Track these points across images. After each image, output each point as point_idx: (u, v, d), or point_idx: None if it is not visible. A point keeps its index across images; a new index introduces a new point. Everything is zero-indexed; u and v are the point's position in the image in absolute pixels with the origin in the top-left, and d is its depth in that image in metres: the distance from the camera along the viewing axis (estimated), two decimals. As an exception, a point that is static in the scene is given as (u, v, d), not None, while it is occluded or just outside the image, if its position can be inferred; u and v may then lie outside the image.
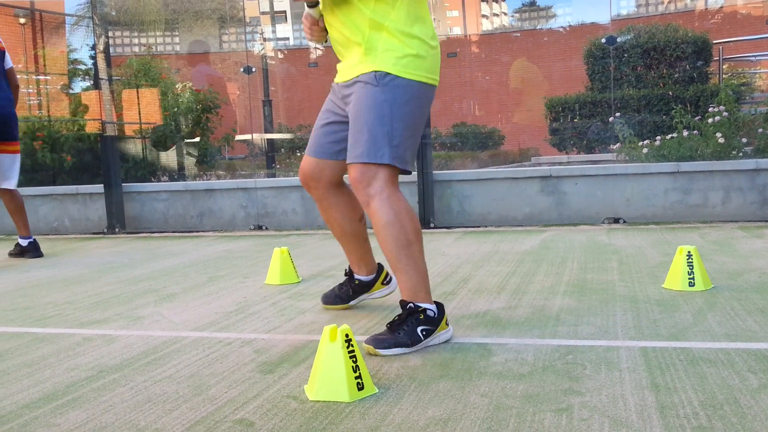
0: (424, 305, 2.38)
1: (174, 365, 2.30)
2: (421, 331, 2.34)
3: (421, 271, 2.42)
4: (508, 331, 2.53)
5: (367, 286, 2.98)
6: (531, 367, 2.11)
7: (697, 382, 1.92)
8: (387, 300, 3.13)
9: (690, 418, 1.67)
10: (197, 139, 8.83)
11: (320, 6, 2.51)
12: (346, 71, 2.51)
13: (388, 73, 2.36)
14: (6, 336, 2.81)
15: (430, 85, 2.44)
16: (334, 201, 2.77)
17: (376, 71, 2.37)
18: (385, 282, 3.00)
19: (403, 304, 2.40)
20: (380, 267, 2.98)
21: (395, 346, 2.31)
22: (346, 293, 2.99)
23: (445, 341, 2.41)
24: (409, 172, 2.49)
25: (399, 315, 2.39)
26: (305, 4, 2.54)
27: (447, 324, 2.43)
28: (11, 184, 5.08)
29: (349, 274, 2.97)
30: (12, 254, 5.18)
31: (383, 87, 2.36)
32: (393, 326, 2.36)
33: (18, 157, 5.12)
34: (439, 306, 2.42)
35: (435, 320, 2.38)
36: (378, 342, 2.32)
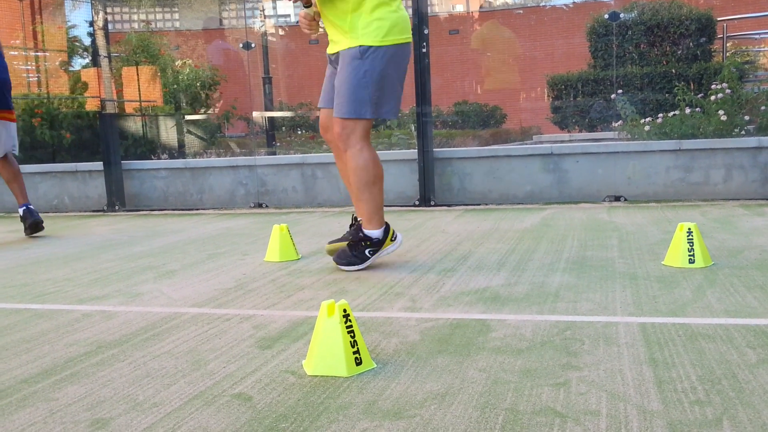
0: (369, 233, 3.24)
1: (173, 341, 2.30)
2: (369, 252, 3.25)
3: (377, 204, 3.22)
4: (507, 307, 2.53)
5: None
6: (529, 343, 2.10)
7: (695, 357, 1.92)
8: (384, 278, 3.13)
9: (688, 393, 1.67)
10: (198, 116, 8.80)
11: (314, 6, 3.25)
12: (333, 46, 3.27)
13: (369, 47, 3.08)
14: (5, 312, 2.81)
15: (404, 43, 3.15)
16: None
17: (360, 46, 3.09)
18: (393, 239, 3.35)
19: (358, 225, 3.25)
20: (387, 225, 3.31)
21: (348, 264, 3.25)
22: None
23: (395, 251, 3.43)
24: (394, 117, 3.33)
25: (353, 231, 3.27)
26: (302, 5, 3.26)
27: (393, 240, 3.32)
28: (8, 149, 4.97)
29: (356, 221, 3.33)
30: (27, 231, 5.01)
31: (365, 59, 3.09)
32: (350, 247, 3.26)
33: (14, 126, 5.03)
34: (386, 228, 3.26)
35: (380, 242, 3.26)
36: (338, 258, 3.25)
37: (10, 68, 5.06)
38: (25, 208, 5.04)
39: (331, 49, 3.30)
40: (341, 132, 3.16)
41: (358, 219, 3.33)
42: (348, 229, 3.41)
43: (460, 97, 12.51)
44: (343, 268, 3.24)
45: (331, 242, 3.48)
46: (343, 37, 3.16)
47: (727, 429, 1.47)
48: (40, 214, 5.16)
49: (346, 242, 3.31)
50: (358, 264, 3.23)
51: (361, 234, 3.24)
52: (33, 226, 4.96)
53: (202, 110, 8.80)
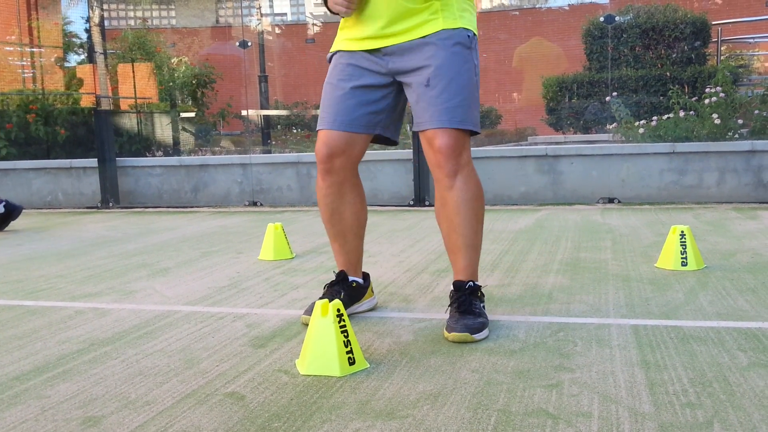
0: (479, 283, 2.33)
1: (165, 339, 2.29)
2: (483, 307, 2.29)
3: (480, 249, 2.34)
4: (500, 308, 2.54)
5: (362, 291, 2.53)
6: (522, 344, 2.11)
7: (687, 359, 1.93)
8: (379, 278, 3.13)
9: (679, 395, 1.68)
10: (193, 114, 8.79)
11: None
12: (399, 34, 2.20)
13: (474, 34, 2.25)
14: (-2, 308, 2.80)
15: None
16: (354, 183, 2.41)
17: (466, 29, 2.21)
18: (372, 291, 2.62)
19: (461, 283, 2.28)
20: (366, 274, 2.58)
21: (484, 328, 2.19)
22: (338, 296, 2.43)
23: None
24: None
25: (461, 294, 2.25)
26: None
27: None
28: None
29: (343, 277, 2.48)
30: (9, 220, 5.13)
31: (473, 50, 2.23)
32: (466, 308, 2.22)
33: None
34: None
35: (483, 295, 2.36)
36: (468, 328, 2.14)
37: (5, 64, 5.05)
38: (5, 203, 5.08)
39: (379, 42, 2.24)
40: (454, 147, 2.20)
41: (465, 283, 2.29)
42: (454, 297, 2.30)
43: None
44: (479, 336, 2.16)
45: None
46: (424, 17, 2.18)
47: (718, 431, 1.48)
48: (34, 210, 5.16)
49: (459, 310, 2.24)
50: (487, 323, 2.24)
51: (472, 284, 2.29)
52: (15, 215, 5.02)
53: (197, 108, 8.79)
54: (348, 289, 2.46)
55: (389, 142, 2.44)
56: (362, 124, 2.31)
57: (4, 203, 5.08)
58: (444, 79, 2.18)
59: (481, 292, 2.33)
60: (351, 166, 2.37)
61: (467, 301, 2.24)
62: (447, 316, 2.29)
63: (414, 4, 2.17)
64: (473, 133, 2.29)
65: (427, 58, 2.19)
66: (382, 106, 2.32)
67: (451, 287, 2.32)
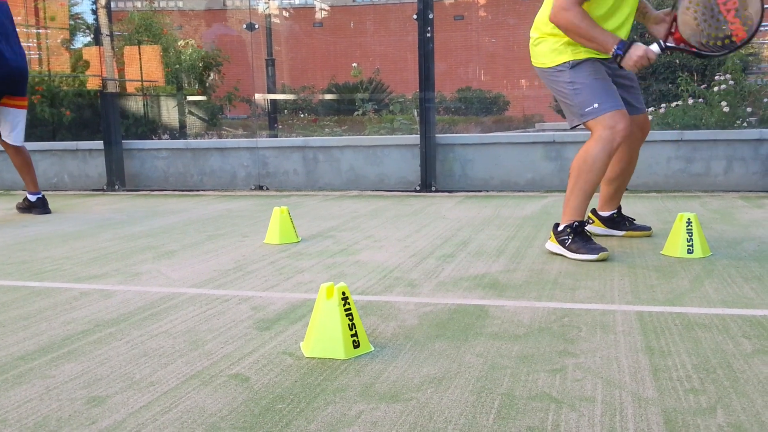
0: None
1: (171, 320, 2.30)
2: None
3: None
4: (505, 293, 2.54)
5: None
6: (527, 329, 2.11)
7: (691, 346, 1.92)
8: (384, 262, 3.13)
9: (683, 381, 1.68)
10: (200, 97, 8.78)
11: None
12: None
13: None
14: (3, 289, 2.81)
15: None
16: None
17: None
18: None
19: (621, 207, 3.63)
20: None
21: None
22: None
23: None
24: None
25: (622, 214, 3.62)
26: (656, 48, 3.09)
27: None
28: (16, 139, 5.02)
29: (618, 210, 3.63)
30: (19, 207, 5.16)
31: None
32: (627, 218, 3.62)
33: (24, 112, 5.06)
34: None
35: None
36: (647, 227, 3.61)
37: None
38: (41, 196, 5.11)
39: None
40: None
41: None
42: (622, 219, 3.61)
43: (463, 83, 12.46)
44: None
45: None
46: None
47: (721, 417, 1.48)
48: (42, 192, 5.18)
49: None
50: None
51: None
52: (38, 212, 5.05)
53: (201, 91, 8.77)
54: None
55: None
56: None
57: (40, 196, 5.11)
58: (635, 80, 3.41)
59: None
60: None
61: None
62: (452, 301, 2.32)
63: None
64: None
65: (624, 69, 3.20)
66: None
67: (614, 213, 3.60)
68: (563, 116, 3.37)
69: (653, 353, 1.87)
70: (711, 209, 4.47)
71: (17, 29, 5.13)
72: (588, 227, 3.46)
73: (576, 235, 3.13)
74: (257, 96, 10.03)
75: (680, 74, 7.21)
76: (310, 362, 1.88)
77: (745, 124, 5.95)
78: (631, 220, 3.62)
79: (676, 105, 6.31)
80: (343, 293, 1.92)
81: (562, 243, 3.15)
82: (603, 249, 3.07)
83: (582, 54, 3.16)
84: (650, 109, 6.50)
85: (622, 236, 3.57)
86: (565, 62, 3.18)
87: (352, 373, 1.79)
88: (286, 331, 2.16)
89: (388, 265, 3.05)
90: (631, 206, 4.66)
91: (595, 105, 3.10)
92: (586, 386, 1.66)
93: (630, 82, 3.36)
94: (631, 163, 3.49)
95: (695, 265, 2.90)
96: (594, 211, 3.63)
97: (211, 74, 8.92)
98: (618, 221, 3.61)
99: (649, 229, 3.59)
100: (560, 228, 3.18)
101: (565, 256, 3.12)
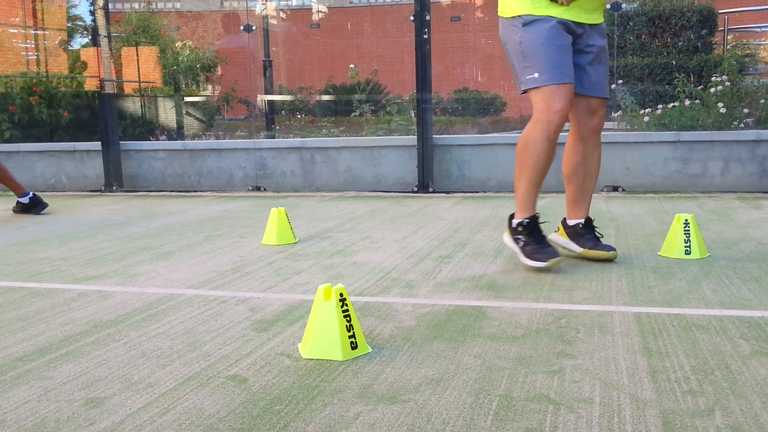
0: None
1: (168, 321, 2.30)
2: None
3: None
4: (503, 294, 2.54)
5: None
6: (525, 330, 2.11)
7: (689, 347, 1.93)
8: (381, 263, 3.13)
9: (681, 382, 1.68)
10: (197, 98, 8.78)
11: None
12: (589, 14, 2.85)
13: None
14: (1, 290, 2.81)
15: None
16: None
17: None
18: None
19: (590, 219, 3.09)
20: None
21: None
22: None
23: None
24: None
25: (592, 228, 3.07)
26: None
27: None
28: None
29: (588, 221, 3.13)
30: (16, 211, 5.13)
31: None
32: (593, 233, 3.07)
33: None
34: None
35: None
36: (612, 248, 2.98)
37: (9, 46, 5.03)
38: (32, 195, 5.09)
39: (585, 17, 2.84)
40: (605, 116, 3.02)
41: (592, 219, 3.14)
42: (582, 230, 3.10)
43: (460, 84, 12.47)
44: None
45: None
46: (600, 7, 2.89)
47: (719, 419, 1.48)
48: (38, 194, 5.17)
49: (597, 238, 3.08)
50: None
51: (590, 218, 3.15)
52: (37, 212, 5.03)
53: (198, 92, 8.77)
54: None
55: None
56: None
57: (31, 195, 5.09)
58: (606, 61, 2.96)
59: None
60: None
61: (592, 229, 3.05)
62: (449, 302, 2.32)
63: None
64: None
65: (603, 43, 2.92)
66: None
67: (579, 222, 3.08)
68: None
69: (651, 354, 1.88)
70: (708, 210, 4.48)
71: (15, 30, 5.12)
72: (552, 235, 3.17)
73: (530, 235, 2.89)
74: (255, 97, 10.02)
75: (677, 75, 7.23)
76: (307, 363, 1.88)
77: (741, 125, 5.97)
78: (597, 238, 3.08)
79: (673, 106, 6.33)
80: (341, 294, 1.92)
81: (516, 242, 2.94)
82: (555, 254, 2.81)
83: (541, 9, 2.74)
84: (647, 110, 6.52)
85: (579, 254, 3.07)
86: (519, 15, 2.78)
87: (350, 375, 1.79)
88: (283, 332, 2.16)
89: (386, 266, 3.06)
90: (628, 207, 4.67)
91: (535, 75, 2.75)
92: (584, 388, 1.66)
93: (596, 59, 2.90)
94: (589, 157, 3.02)
95: (693, 267, 2.90)
96: (564, 218, 3.22)
97: (208, 76, 8.92)
98: (581, 234, 3.07)
99: (611, 250, 2.99)
100: (514, 224, 2.95)
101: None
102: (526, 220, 2.90)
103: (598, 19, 2.90)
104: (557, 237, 3.18)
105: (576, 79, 2.85)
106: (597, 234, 3.09)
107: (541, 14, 2.73)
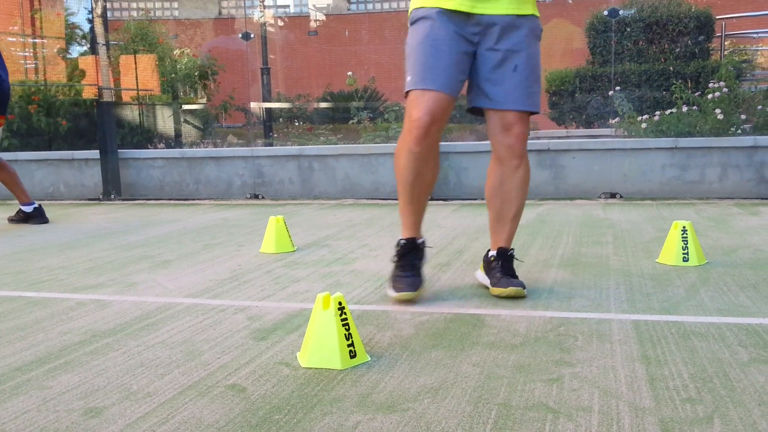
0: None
1: (167, 331, 2.30)
2: None
3: None
4: (501, 302, 2.54)
5: (424, 247, 2.69)
6: (523, 338, 2.11)
7: (687, 355, 1.93)
8: (380, 271, 3.13)
9: (679, 390, 1.68)
10: (195, 106, 8.79)
11: None
12: (499, 3, 2.36)
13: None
14: (0, 299, 2.81)
15: None
16: (438, 146, 2.53)
17: (538, 21, 2.45)
18: None
19: (506, 250, 2.63)
20: None
21: (525, 287, 2.57)
22: (420, 263, 2.65)
23: None
24: None
25: (505, 259, 2.60)
26: None
27: None
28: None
29: (413, 244, 2.63)
30: (12, 220, 5.12)
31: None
32: (509, 271, 2.59)
33: (1, 129, 5.05)
34: None
35: None
36: (520, 284, 2.53)
37: (8, 54, 5.04)
38: (37, 206, 5.09)
39: (479, 7, 2.36)
40: (527, 132, 2.46)
41: (507, 250, 2.62)
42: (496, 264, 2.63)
43: (458, 91, 12.45)
44: (526, 293, 2.57)
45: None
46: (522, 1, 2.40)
47: (718, 427, 1.48)
48: (36, 201, 5.17)
49: (505, 273, 2.59)
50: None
51: (513, 251, 2.64)
52: (36, 222, 5.04)
53: (196, 100, 8.79)
54: (419, 251, 2.64)
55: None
56: (456, 86, 2.44)
57: (36, 206, 5.09)
58: (530, 66, 2.41)
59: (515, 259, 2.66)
60: (441, 129, 2.48)
61: (510, 265, 2.60)
62: (448, 310, 2.34)
63: None
64: None
65: (518, 43, 2.39)
66: (467, 69, 2.46)
67: (492, 253, 2.65)
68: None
69: (650, 362, 1.88)
70: (706, 217, 4.49)
71: (13, 39, 5.13)
72: (477, 272, 2.83)
73: (400, 259, 2.58)
74: (252, 104, 10.04)
75: (674, 82, 7.25)
76: (306, 372, 1.88)
77: (739, 131, 5.98)
78: (506, 272, 2.58)
79: (670, 112, 6.34)
80: (340, 303, 1.92)
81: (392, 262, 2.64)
82: (411, 287, 2.47)
83: (429, 1, 2.40)
84: (644, 116, 6.53)
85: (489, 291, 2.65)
86: (410, 14, 2.48)
87: (349, 384, 1.79)
88: (282, 341, 2.16)
89: (384, 273, 3.06)
90: (626, 213, 4.68)
91: (408, 78, 2.42)
92: (583, 396, 1.67)
93: (505, 63, 2.39)
94: (507, 182, 2.52)
95: (691, 273, 2.91)
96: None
97: (206, 83, 8.94)
98: (492, 267, 2.63)
99: (517, 286, 2.52)
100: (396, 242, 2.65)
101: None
102: (402, 241, 2.61)
103: (504, 9, 2.37)
104: (479, 273, 2.80)
105: (477, 88, 2.47)
106: (509, 272, 2.61)
107: (431, 5, 2.38)
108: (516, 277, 2.60)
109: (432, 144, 2.44)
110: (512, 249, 2.65)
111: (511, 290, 2.50)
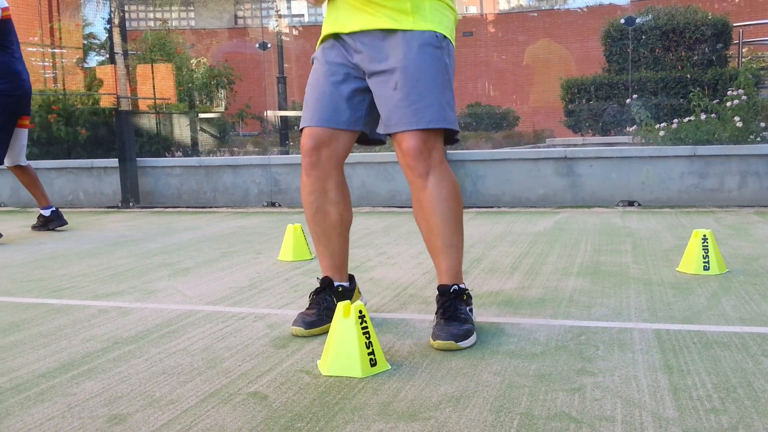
0: (463, 286, 2.26)
1: (188, 338, 2.31)
2: (469, 310, 2.24)
3: (462, 250, 2.29)
4: (520, 311, 2.53)
5: (348, 295, 2.44)
6: (543, 347, 2.11)
7: (710, 364, 1.91)
8: (398, 280, 3.13)
9: (703, 401, 1.67)
10: (212, 115, 8.85)
11: None
12: (371, 19, 2.20)
13: (445, 36, 2.21)
14: (23, 306, 2.84)
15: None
16: (339, 181, 2.38)
17: (435, 32, 2.17)
18: (359, 292, 2.58)
19: (446, 288, 2.23)
20: (351, 276, 2.51)
21: (470, 335, 2.15)
22: (331, 305, 2.37)
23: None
24: (457, 141, 2.31)
25: (446, 300, 2.21)
26: None
27: None
28: (24, 159, 5.07)
29: (328, 283, 2.41)
30: (36, 227, 5.16)
31: (444, 50, 2.20)
32: (450, 314, 2.18)
33: (27, 132, 5.12)
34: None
35: (470, 297, 2.30)
36: (453, 336, 2.10)
37: (28, 65, 5.10)
38: (54, 209, 5.14)
39: (354, 25, 2.22)
40: (422, 149, 2.16)
41: (449, 287, 2.24)
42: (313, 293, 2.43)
43: (472, 99, 12.51)
44: (465, 344, 2.12)
45: (310, 327, 2.32)
46: (392, 15, 2.17)
47: (743, 437, 1.47)
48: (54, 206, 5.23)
49: (444, 316, 2.21)
50: (473, 330, 2.21)
51: (457, 288, 2.24)
52: (56, 226, 5.09)
53: (214, 109, 8.86)
54: (335, 294, 2.39)
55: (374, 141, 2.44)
56: (341, 119, 2.30)
57: (53, 209, 5.15)
58: (411, 80, 2.16)
59: (468, 294, 2.26)
60: (334, 163, 2.34)
61: (452, 307, 2.20)
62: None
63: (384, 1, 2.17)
64: (451, 135, 2.27)
65: (396, 60, 2.17)
66: (364, 100, 2.31)
67: (437, 292, 2.28)
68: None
69: (672, 372, 1.87)
70: (726, 225, 4.46)
71: (33, 49, 5.20)
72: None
73: (311, 294, 2.44)
74: (268, 113, 10.09)
75: (692, 89, 7.22)
76: (327, 380, 1.88)
77: (758, 138, 5.94)
78: (450, 315, 2.20)
79: (689, 120, 6.31)
80: (360, 311, 1.92)
81: None
82: (303, 325, 2.30)
83: (325, 29, 2.32)
84: (662, 124, 6.50)
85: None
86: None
87: (370, 392, 1.79)
88: (302, 348, 2.17)
89: (402, 282, 3.06)
90: (644, 222, 4.66)
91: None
92: (606, 406, 1.66)
93: (387, 84, 2.19)
94: (424, 205, 2.22)
95: (712, 282, 2.89)
96: None
97: (223, 92, 9.00)
98: (437, 309, 2.25)
99: (451, 340, 2.10)
100: None
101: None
102: (318, 278, 2.46)
103: (372, 23, 2.21)
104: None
105: (368, 116, 2.33)
106: (460, 306, 2.23)
107: (324, 34, 2.32)
108: (460, 319, 2.18)
109: (324, 175, 2.34)
110: (455, 285, 2.23)
111: (439, 344, 2.11)
